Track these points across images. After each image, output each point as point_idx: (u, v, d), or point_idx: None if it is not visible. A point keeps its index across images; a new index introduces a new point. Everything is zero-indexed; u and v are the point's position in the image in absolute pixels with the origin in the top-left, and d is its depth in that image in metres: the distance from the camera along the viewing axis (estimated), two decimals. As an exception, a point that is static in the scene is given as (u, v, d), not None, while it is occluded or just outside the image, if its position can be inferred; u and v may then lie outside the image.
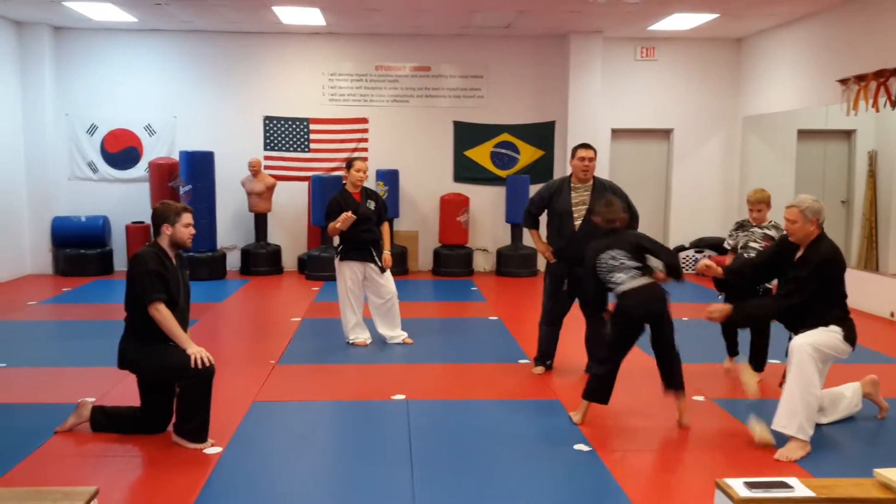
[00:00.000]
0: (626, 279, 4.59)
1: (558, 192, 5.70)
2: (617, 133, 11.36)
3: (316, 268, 10.38)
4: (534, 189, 10.51)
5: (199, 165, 10.20)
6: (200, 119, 11.01)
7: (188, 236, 4.39)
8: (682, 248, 11.36)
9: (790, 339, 4.40)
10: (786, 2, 8.84)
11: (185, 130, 11.00)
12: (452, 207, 10.91)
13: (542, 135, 11.34)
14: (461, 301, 9.10)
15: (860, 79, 8.19)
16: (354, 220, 6.30)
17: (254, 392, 5.30)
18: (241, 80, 11.03)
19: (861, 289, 8.29)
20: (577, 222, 5.57)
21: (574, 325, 5.98)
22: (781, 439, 4.29)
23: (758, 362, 5.65)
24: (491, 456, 4.24)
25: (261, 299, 9.21)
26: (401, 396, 5.24)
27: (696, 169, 11.47)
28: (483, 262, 11.46)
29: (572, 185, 5.67)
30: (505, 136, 11.35)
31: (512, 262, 10.89)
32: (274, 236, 11.15)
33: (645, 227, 11.69)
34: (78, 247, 10.55)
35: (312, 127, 11.17)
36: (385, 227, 6.68)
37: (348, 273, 6.56)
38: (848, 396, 4.78)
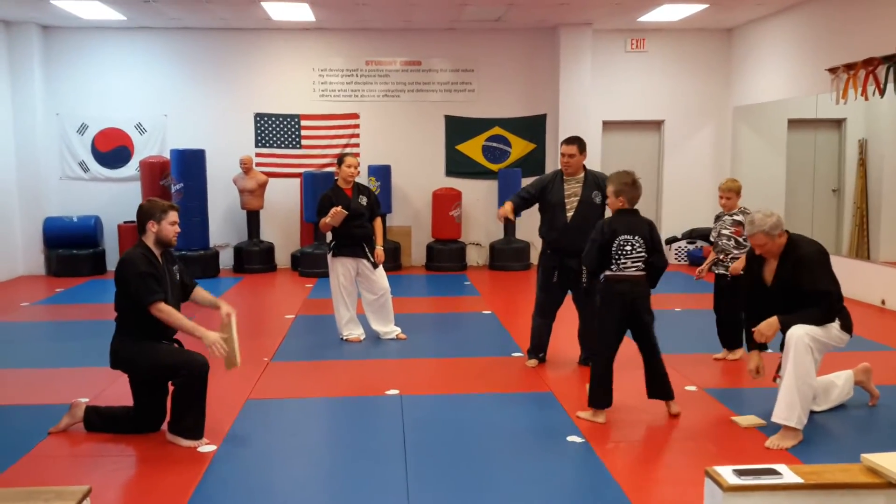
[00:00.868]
0: (630, 266, 4.61)
1: (551, 185, 5.74)
2: (608, 125, 11.37)
3: (309, 264, 10.38)
4: (525, 182, 10.54)
5: (191, 163, 10.19)
6: (191, 117, 10.98)
7: (173, 234, 4.39)
8: (674, 239, 11.39)
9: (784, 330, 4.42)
10: (774, -9, 8.86)
11: (176, 128, 10.97)
12: (445, 202, 10.91)
13: (533, 128, 11.35)
14: (455, 295, 9.11)
15: (849, 67, 8.22)
16: (346, 215, 6.31)
17: (248, 390, 5.31)
18: (232, 77, 11.01)
19: (852, 277, 8.33)
20: (569, 214, 5.60)
21: (567, 317, 6.00)
22: (773, 426, 4.32)
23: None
24: (485, 449, 4.26)
25: (254, 297, 9.21)
26: (395, 391, 5.25)
27: (688, 160, 11.50)
28: (476, 257, 11.48)
29: (564, 177, 5.70)
30: (496, 130, 11.36)
31: (505, 255, 10.91)
32: (267, 233, 11.14)
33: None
34: (70, 247, 10.53)
35: (303, 123, 11.16)
36: (377, 222, 6.69)
37: (341, 269, 6.57)
38: (839, 385, 4.81)
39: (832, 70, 8.51)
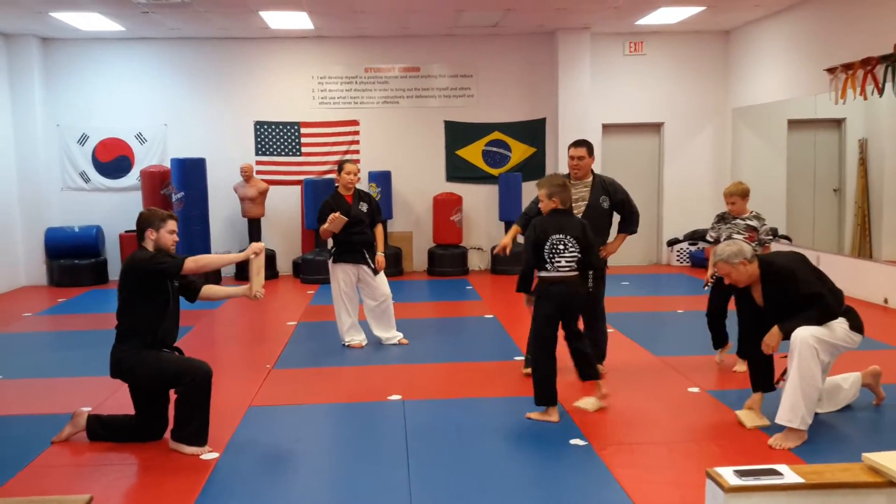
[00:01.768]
0: (564, 266, 4.64)
1: None
2: (608, 128, 11.38)
3: (311, 271, 10.39)
4: (526, 186, 10.57)
5: (191, 172, 10.20)
6: (191, 126, 11.01)
7: (172, 243, 4.40)
8: (675, 241, 11.40)
9: None
10: (771, -7, 8.88)
11: (177, 138, 11.00)
12: (446, 207, 10.92)
13: (533, 132, 11.36)
14: (456, 300, 9.11)
15: (847, 67, 8.22)
16: (346, 222, 6.32)
17: (250, 397, 5.31)
18: (231, 85, 11.04)
19: (855, 276, 8.33)
20: None
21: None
22: (778, 427, 4.32)
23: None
24: (488, 453, 4.26)
25: (256, 304, 9.18)
26: (397, 397, 5.25)
27: (688, 162, 11.50)
28: (478, 261, 11.48)
29: (572, 181, 5.68)
30: (496, 135, 11.37)
31: (507, 260, 10.88)
32: (268, 241, 11.15)
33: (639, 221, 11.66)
34: (72, 257, 10.55)
35: (303, 131, 11.18)
36: (378, 229, 6.69)
37: (341, 275, 6.57)
38: (846, 388, 4.78)
39: (830, 70, 8.52)
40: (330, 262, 6.64)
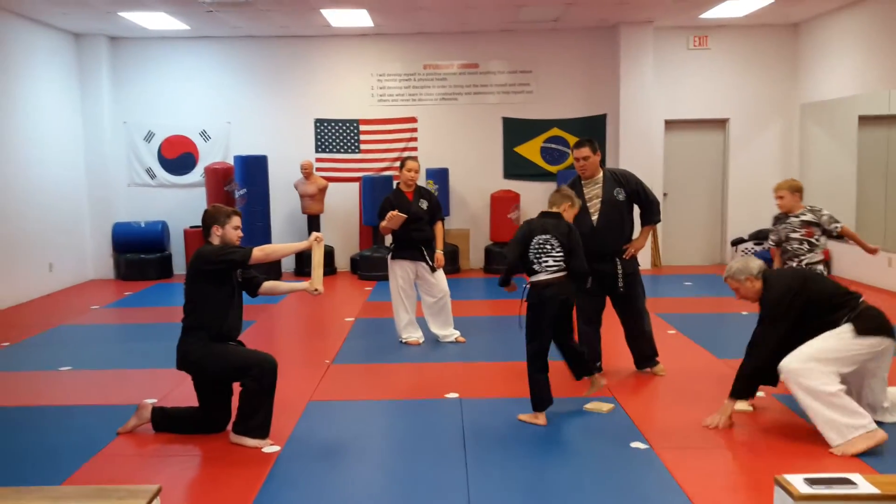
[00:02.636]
0: (552, 266, 4.65)
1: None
2: (671, 124, 11.18)
3: (368, 268, 10.45)
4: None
5: (254, 169, 10.36)
6: (254, 123, 11.18)
7: (237, 238, 4.48)
8: (740, 241, 11.13)
9: None
10: (843, -16, 8.58)
11: (239, 135, 11.19)
12: (503, 204, 10.87)
13: (592, 128, 11.20)
14: (514, 299, 9.00)
15: (924, 61, 7.90)
16: (404, 219, 6.32)
17: (310, 392, 5.36)
18: (292, 83, 11.17)
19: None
20: (594, 217, 5.47)
21: (614, 322, 5.88)
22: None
23: None
24: (545, 454, 4.21)
25: (314, 300, 9.30)
26: (454, 395, 5.24)
27: (754, 159, 11.21)
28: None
29: (583, 181, 5.58)
30: (555, 131, 11.27)
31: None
32: (326, 237, 11.25)
33: (702, 218, 11.49)
34: (138, 252, 10.82)
35: (362, 128, 11.25)
36: (438, 226, 6.68)
37: (399, 272, 6.59)
38: None
39: (906, 64, 8.20)
40: (389, 258, 6.66)
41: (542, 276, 4.68)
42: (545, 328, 4.72)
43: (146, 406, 4.63)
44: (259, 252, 4.33)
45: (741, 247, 11.09)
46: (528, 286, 4.78)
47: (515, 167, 11.32)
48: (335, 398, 5.25)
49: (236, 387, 4.43)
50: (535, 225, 4.76)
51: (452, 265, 10.64)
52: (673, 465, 3.97)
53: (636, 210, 5.66)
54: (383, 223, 6.38)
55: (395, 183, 6.72)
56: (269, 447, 4.30)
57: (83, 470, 4.06)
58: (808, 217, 5.53)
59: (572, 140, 11.22)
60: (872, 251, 5.57)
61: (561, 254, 4.67)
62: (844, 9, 9.71)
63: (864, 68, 9.35)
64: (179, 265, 11.00)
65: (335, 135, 11.27)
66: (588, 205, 5.50)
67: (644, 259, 9.51)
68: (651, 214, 5.63)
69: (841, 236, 5.65)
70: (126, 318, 8.43)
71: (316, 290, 4.51)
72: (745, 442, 4.34)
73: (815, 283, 4.41)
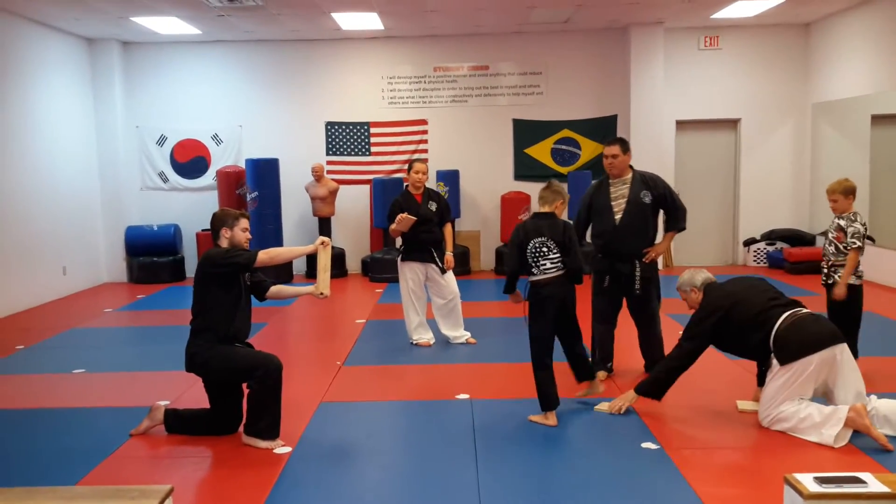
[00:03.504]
0: (550, 268, 4.64)
1: (598, 190, 5.62)
2: (682, 124, 11.15)
3: (379, 270, 10.47)
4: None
5: (265, 172, 10.41)
6: (265, 127, 11.24)
7: (245, 240, 4.50)
8: (752, 241, 11.09)
9: None
10: (855, -17, 8.54)
11: (251, 138, 11.24)
12: (514, 206, 10.86)
13: (603, 129, 11.19)
14: (525, 300, 9.01)
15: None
16: (414, 221, 6.33)
17: (321, 393, 5.37)
18: (303, 87, 11.22)
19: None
20: (618, 217, 5.45)
21: (628, 324, 5.87)
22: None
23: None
24: (556, 455, 4.21)
25: (326, 303, 9.32)
26: (465, 396, 5.24)
27: (766, 159, 11.17)
28: (547, 260, 11.36)
29: (610, 180, 5.57)
30: (565, 133, 11.26)
31: (576, 259, 10.76)
32: (337, 240, 11.29)
33: (714, 219, 11.44)
34: (151, 255, 10.88)
35: (373, 130, 11.28)
36: (447, 228, 6.69)
37: (409, 274, 6.60)
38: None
39: (919, 62, 8.14)
40: (399, 260, 6.67)
41: (539, 277, 4.70)
42: (546, 327, 4.71)
43: (159, 408, 4.66)
44: (264, 255, 4.34)
45: (753, 247, 11.05)
46: (528, 286, 4.79)
47: (526, 169, 11.32)
48: (346, 399, 5.27)
49: (246, 388, 4.45)
50: (529, 228, 4.74)
51: (463, 266, 10.65)
52: (684, 466, 3.96)
53: (661, 216, 5.65)
54: (393, 226, 6.39)
55: (405, 185, 6.72)
56: (281, 448, 4.32)
57: (96, 471, 4.08)
58: (843, 222, 5.40)
59: (583, 141, 11.23)
60: (838, 295, 5.35)
61: (558, 255, 4.66)
62: (855, 8, 9.66)
63: (876, 67, 9.30)
64: (192, 268, 11.05)
65: (346, 137, 11.30)
66: (612, 204, 5.48)
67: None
68: (676, 221, 5.59)
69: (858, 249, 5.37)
70: (139, 321, 8.48)
71: (322, 293, 4.53)
72: (755, 441, 4.32)
73: (743, 306, 4.48)
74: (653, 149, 10.66)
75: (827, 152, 10.62)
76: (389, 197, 7.21)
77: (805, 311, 4.43)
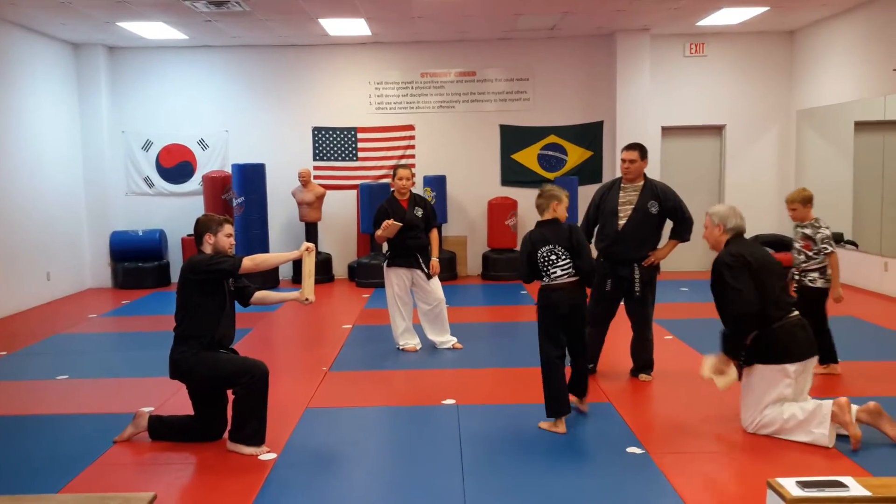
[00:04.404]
0: (560, 275, 4.63)
1: (608, 193, 5.67)
2: (667, 130, 11.21)
3: (366, 275, 10.46)
4: (583, 190, 10.47)
5: (251, 177, 10.38)
6: (252, 132, 11.22)
7: (229, 246, 4.49)
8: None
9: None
10: (838, -9, 8.62)
11: (237, 143, 11.22)
12: (500, 211, 10.89)
13: (590, 135, 11.25)
14: (511, 305, 9.06)
15: (919, 67, 7.94)
16: (399, 227, 6.34)
17: (307, 399, 5.36)
18: (290, 92, 11.21)
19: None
20: (621, 222, 5.50)
21: (617, 327, 5.90)
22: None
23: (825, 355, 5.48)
24: (542, 460, 4.21)
25: (312, 307, 9.28)
26: (451, 401, 5.24)
27: (750, 165, 11.25)
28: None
29: (622, 185, 5.62)
30: (552, 138, 11.30)
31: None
32: (324, 245, 11.28)
33: (699, 226, 11.45)
34: (136, 260, 10.83)
35: (360, 136, 11.28)
36: (433, 233, 6.70)
37: (395, 279, 6.60)
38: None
39: (900, 70, 8.23)
40: (384, 265, 6.68)
41: (550, 283, 4.67)
42: (556, 331, 4.65)
43: (143, 414, 4.63)
44: (249, 262, 4.33)
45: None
46: (540, 290, 4.75)
47: (513, 174, 11.35)
48: (332, 405, 5.26)
49: (231, 395, 4.43)
50: (535, 237, 4.71)
51: (450, 272, 10.66)
52: (669, 470, 3.98)
53: (667, 225, 5.68)
54: (378, 232, 6.39)
55: (391, 190, 6.73)
56: (266, 454, 4.31)
57: (80, 478, 4.06)
58: (808, 231, 5.53)
59: (570, 147, 11.27)
60: (837, 299, 5.50)
61: (567, 260, 4.63)
62: (839, 16, 9.76)
63: (859, 74, 9.39)
64: (177, 274, 10.91)
65: (333, 143, 11.30)
66: (619, 209, 5.53)
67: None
68: (682, 231, 5.64)
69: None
70: (123, 327, 8.43)
71: (307, 299, 4.53)
72: (740, 446, 4.35)
73: (767, 275, 4.37)
74: (639, 155, 10.69)
75: (811, 158, 10.71)
76: (376, 202, 7.20)
77: (797, 314, 4.46)
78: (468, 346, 6.80)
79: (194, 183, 11.24)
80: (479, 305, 9.18)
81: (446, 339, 6.75)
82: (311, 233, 10.92)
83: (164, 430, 4.57)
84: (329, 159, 11.32)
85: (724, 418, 4.77)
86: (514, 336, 7.49)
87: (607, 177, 10.46)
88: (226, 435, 4.46)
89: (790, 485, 2.59)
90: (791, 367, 4.30)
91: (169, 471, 4.17)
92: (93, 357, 6.98)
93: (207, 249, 4.46)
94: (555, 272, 4.63)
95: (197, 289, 4.37)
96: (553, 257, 4.62)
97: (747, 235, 4.65)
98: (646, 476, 3.96)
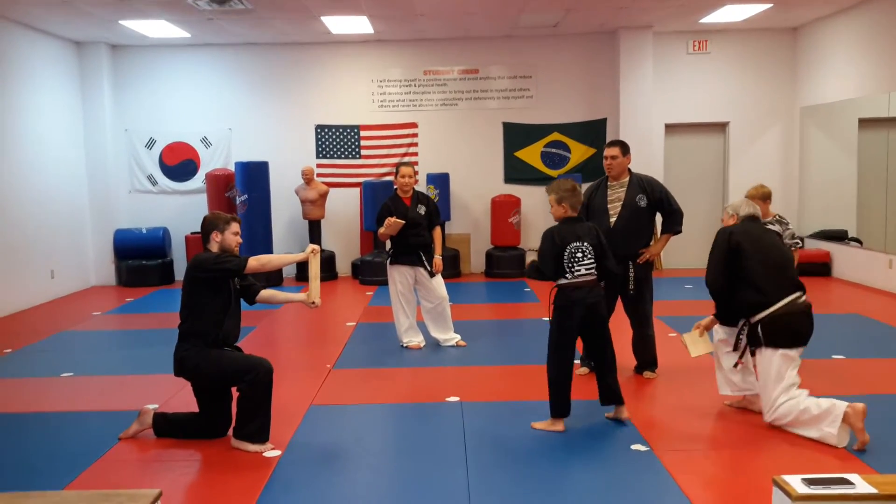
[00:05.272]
0: (584, 273, 4.57)
1: (596, 191, 5.69)
2: (671, 128, 11.20)
3: (369, 273, 10.47)
4: (586, 187, 10.45)
5: (255, 175, 10.39)
6: (255, 130, 11.22)
7: (235, 244, 4.49)
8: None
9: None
10: (842, -13, 8.60)
11: (241, 141, 11.22)
12: (504, 209, 10.88)
13: (593, 133, 11.24)
14: (514, 302, 9.06)
15: (923, 63, 7.92)
16: (402, 225, 6.34)
17: (311, 396, 5.37)
18: (293, 90, 11.21)
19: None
20: (613, 219, 5.51)
21: (619, 325, 5.90)
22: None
23: None
24: (546, 457, 4.22)
25: (316, 305, 9.31)
26: (455, 398, 5.25)
27: (754, 162, 11.23)
28: (537, 263, 11.39)
29: (608, 183, 5.62)
30: (555, 136, 11.29)
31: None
32: (327, 242, 11.29)
33: (703, 223, 11.49)
34: (139, 258, 10.84)
35: (363, 133, 11.28)
36: (437, 231, 6.70)
37: (398, 277, 6.60)
38: None
39: (905, 66, 8.21)
40: (387, 263, 6.68)
41: (571, 281, 4.57)
42: (571, 332, 4.60)
43: (148, 412, 4.64)
44: (255, 262, 4.34)
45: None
46: (554, 289, 4.65)
47: (516, 172, 11.35)
48: (336, 402, 5.26)
49: (236, 392, 4.44)
50: (565, 233, 4.59)
51: (453, 269, 10.66)
52: (674, 467, 3.98)
53: (658, 218, 5.68)
54: (381, 230, 6.40)
55: (395, 188, 6.73)
56: (270, 452, 4.31)
57: (85, 475, 4.07)
58: (776, 228, 5.59)
59: (573, 144, 11.26)
60: None
61: (592, 260, 4.58)
62: (843, 13, 9.74)
63: (863, 71, 9.37)
64: (181, 271, 11.01)
65: (336, 141, 11.30)
66: (609, 206, 5.54)
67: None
68: (673, 224, 5.63)
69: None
70: (127, 325, 8.44)
71: (314, 302, 4.52)
72: (745, 443, 4.35)
73: (762, 258, 4.45)
74: (642, 152, 10.67)
75: (815, 155, 10.69)
76: (380, 200, 7.20)
77: (804, 299, 4.46)
78: (472, 343, 6.80)
79: (198, 181, 11.24)
80: (483, 303, 9.18)
81: (450, 337, 6.75)
82: (315, 230, 10.93)
83: (168, 427, 4.58)
84: (332, 157, 11.32)
85: (728, 415, 4.77)
86: (518, 333, 7.50)
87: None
88: (230, 432, 4.47)
89: (796, 482, 2.58)
90: (792, 352, 4.32)
91: (174, 468, 4.17)
92: (97, 354, 6.99)
93: (214, 247, 4.46)
94: (579, 270, 4.56)
95: (202, 287, 4.38)
96: (579, 255, 4.55)
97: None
98: (650, 473, 3.95)
